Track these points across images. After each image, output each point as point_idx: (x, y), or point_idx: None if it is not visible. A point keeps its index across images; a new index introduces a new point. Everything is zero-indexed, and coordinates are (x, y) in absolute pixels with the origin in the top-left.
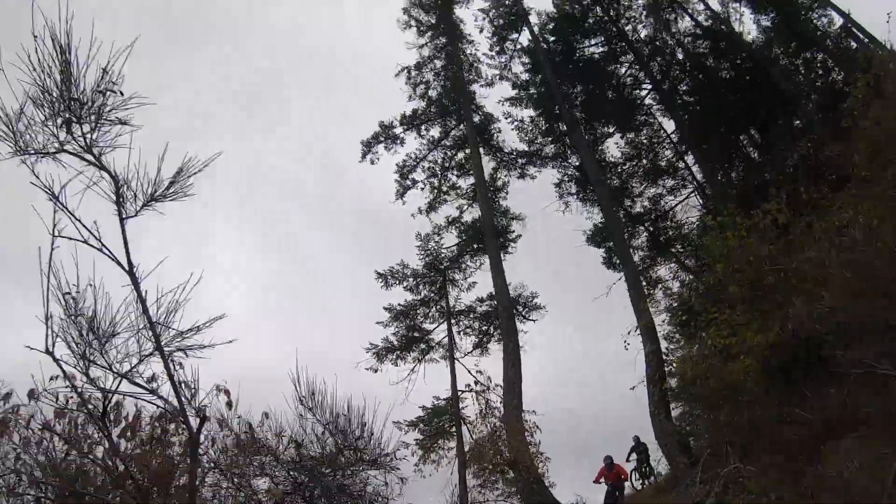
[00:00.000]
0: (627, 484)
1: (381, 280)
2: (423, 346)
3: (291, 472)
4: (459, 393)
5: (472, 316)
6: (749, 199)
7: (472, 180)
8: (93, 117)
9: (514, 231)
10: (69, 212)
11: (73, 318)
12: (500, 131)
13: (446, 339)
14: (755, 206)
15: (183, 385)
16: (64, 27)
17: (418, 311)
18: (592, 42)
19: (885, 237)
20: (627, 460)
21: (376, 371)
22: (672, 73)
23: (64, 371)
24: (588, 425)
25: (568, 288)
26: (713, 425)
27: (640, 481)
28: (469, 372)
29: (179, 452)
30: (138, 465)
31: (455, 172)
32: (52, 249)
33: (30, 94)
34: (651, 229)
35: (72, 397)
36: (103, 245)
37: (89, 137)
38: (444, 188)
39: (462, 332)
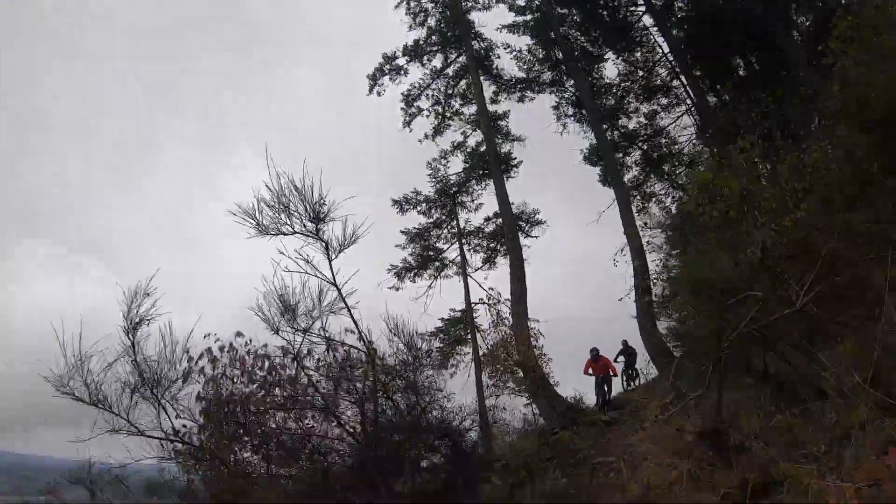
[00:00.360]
0: (616, 382)
1: (396, 206)
2: (437, 264)
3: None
4: (473, 305)
5: (480, 235)
6: (735, 126)
7: (475, 108)
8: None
9: (515, 158)
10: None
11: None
12: (499, 57)
13: (458, 257)
14: (739, 133)
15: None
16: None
17: (432, 233)
18: None
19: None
20: (615, 361)
21: (397, 290)
22: None
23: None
24: (587, 331)
25: (570, 203)
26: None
27: (627, 383)
28: (480, 286)
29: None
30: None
31: (458, 100)
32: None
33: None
34: (645, 147)
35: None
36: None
37: (316, 226)
38: (449, 114)
39: (472, 250)
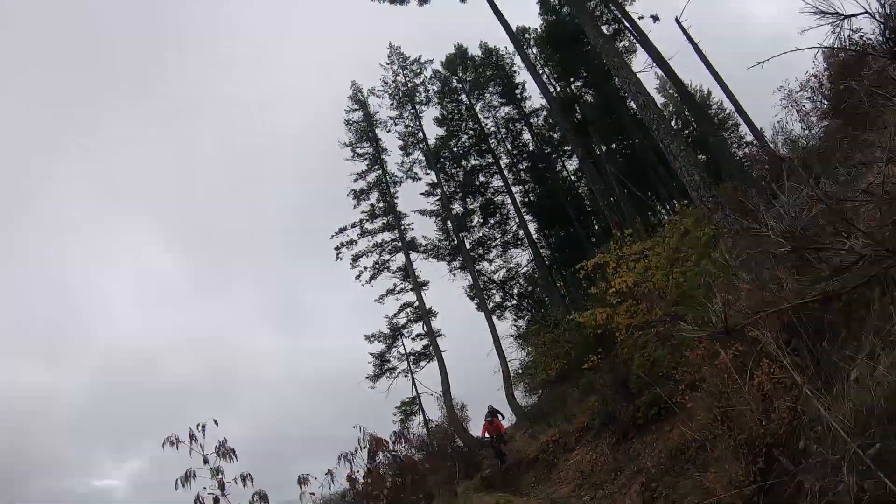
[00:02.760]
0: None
1: (366, 339)
2: (391, 372)
3: None
4: (419, 393)
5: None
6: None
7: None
8: None
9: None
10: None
11: None
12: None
13: (406, 366)
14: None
15: None
16: None
17: (389, 354)
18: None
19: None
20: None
21: (371, 388)
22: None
23: None
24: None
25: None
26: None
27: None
28: (421, 384)
29: None
30: None
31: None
32: None
33: None
34: (504, 287)
35: None
36: None
37: None
38: (382, 269)
39: (414, 360)
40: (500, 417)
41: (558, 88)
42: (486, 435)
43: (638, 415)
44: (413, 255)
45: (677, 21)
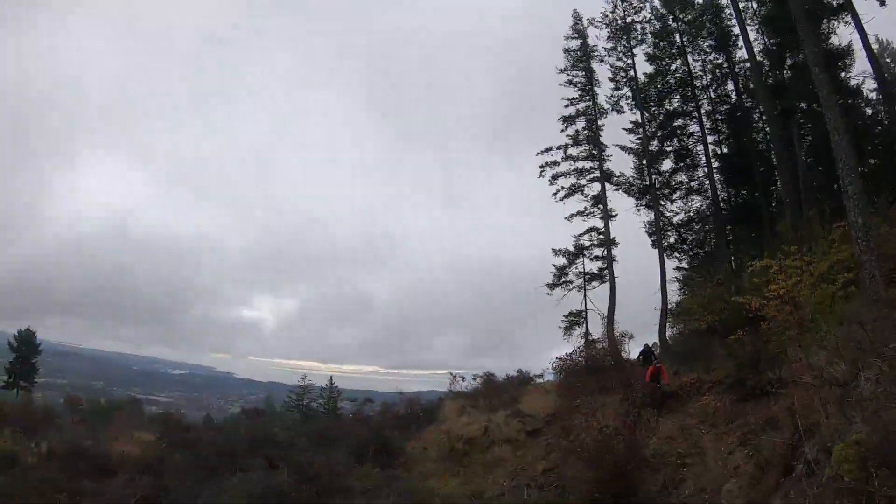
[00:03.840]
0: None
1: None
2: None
3: None
4: (587, 309)
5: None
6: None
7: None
8: None
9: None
10: None
11: None
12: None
13: (582, 282)
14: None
15: None
16: None
17: (568, 270)
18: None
19: None
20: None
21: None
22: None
23: None
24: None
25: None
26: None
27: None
28: (591, 302)
29: None
30: None
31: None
32: None
33: None
34: (679, 231)
35: None
36: None
37: None
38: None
39: (588, 279)
40: (654, 357)
41: (767, 66)
42: (650, 378)
43: (758, 387)
44: (607, 186)
45: None
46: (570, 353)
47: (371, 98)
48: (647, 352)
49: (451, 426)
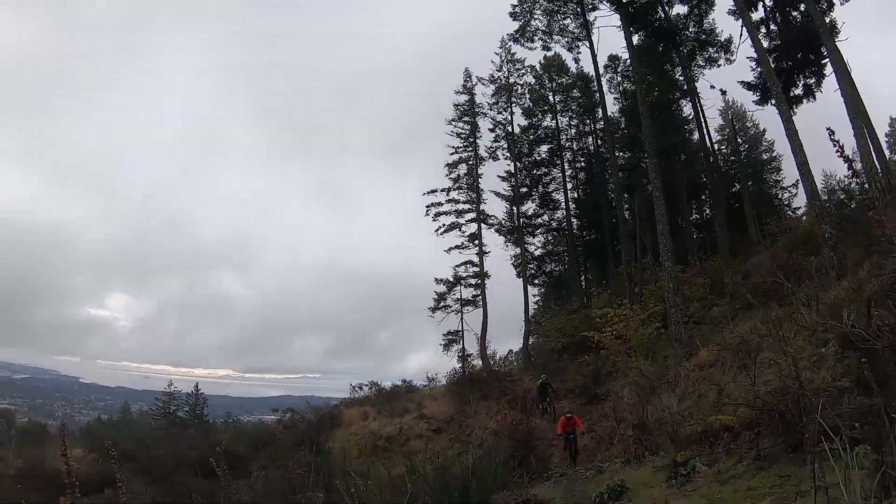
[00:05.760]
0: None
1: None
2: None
3: None
4: (462, 332)
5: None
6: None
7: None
8: None
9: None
10: None
11: None
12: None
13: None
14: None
15: None
16: None
17: (447, 298)
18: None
19: None
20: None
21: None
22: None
23: None
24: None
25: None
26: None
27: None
28: (467, 325)
29: None
30: None
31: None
32: None
33: None
34: (540, 264)
35: None
36: None
37: None
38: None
39: (462, 305)
40: (551, 389)
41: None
42: (561, 432)
43: (598, 393)
44: (483, 226)
45: None
46: (454, 369)
47: (268, 97)
48: (543, 384)
49: (358, 429)
